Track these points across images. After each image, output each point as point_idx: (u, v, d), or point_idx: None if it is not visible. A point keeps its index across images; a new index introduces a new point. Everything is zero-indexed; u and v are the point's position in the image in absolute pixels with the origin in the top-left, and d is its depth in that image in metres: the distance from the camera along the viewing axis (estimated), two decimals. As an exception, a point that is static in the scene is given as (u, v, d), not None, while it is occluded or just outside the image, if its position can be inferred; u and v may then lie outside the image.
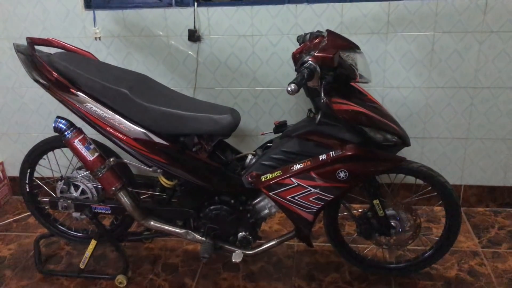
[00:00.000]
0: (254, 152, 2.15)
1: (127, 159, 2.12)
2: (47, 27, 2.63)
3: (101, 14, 2.56)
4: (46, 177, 2.47)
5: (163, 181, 2.11)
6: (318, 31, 2.07)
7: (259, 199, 2.10)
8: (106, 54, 2.64)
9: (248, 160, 2.11)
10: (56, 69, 1.95)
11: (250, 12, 2.46)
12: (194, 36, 2.52)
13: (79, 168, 2.27)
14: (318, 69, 1.69)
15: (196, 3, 2.47)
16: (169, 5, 2.51)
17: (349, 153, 1.84)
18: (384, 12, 2.38)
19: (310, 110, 2.01)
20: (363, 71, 1.86)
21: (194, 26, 2.51)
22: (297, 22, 2.45)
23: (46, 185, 2.43)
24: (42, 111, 2.83)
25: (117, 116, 1.95)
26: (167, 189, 2.16)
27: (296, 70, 1.76)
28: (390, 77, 2.50)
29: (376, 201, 2.01)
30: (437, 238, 2.16)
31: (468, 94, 2.49)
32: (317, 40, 1.82)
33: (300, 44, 2.12)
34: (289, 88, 1.58)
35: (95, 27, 2.56)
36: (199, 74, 2.62)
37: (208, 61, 2.59)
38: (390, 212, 2.07)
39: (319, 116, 1.90)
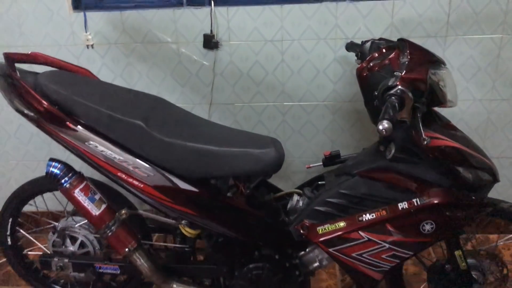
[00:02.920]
0: (299, 191, 1.72)
1: (142, 206, 1.66)
2: (25, 32, 2.12)
3: (93, 16, 2.07)
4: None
5: (186, 230, 1.66)
6: (381, 38, 1.65)
7: (307, 249, 1.68)
8: (100, 65, 2.15)
9: (294, 202, 1.67)
10: (46, 95, 1.47)
11: (279, 12, 2.01)
12: (210, 42, 2.06)
13: (76, 214, 1.79)
14: (410, 95, 1.26)
15: (213, 2, 2.00)
16: (180, 4, 2.03)
17: (439, 201, 1.43)
18: (443, 12, 1.96)
19: (379, 142, 1.58)
20: (450, 91, 1.44)
21: (211, 30, 2.05)
22: (337, 24, 2.01)
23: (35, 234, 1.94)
24: (21, 135, 2.32)
25: (130, 157, 1.48)
26: (188, 238, 1.71)
27: (376, 97, 1.33)
28: (446, 88, 2.09)
29: (458, 252, 1.61)
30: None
31: (538, 107, 2.11)
32: (393, 55, 1.39)
33: (355, 55, 1.70)
34: (381, 127, 1.16)
35: (86, 32, 2.08)
36: (215, 88, 2.16)
37: (227, 72, 2.13)
38: (470, 261, 1.67)
39: (393, 150, 1.48)
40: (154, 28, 2.07)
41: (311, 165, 1.76)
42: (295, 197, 1.69)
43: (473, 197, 1.46)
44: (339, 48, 2.05)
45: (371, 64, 1.46)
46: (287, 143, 2.25)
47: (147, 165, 1.48)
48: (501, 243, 1.94)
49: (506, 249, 2.24)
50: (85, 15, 2.05)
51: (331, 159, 1.70)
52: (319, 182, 1.69)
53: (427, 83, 1.32)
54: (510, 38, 1.99)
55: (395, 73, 1.32)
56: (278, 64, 2.10)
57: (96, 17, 2.08)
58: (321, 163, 1.73)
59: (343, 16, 2.00)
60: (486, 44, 2.01)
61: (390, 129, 1.15)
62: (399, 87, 1.25)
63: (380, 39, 1.64)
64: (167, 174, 1.49)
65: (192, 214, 1.52)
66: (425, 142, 1.30)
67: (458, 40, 2.01)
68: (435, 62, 1.43)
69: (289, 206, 1.68)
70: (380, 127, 1.16)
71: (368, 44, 1.64)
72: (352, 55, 2.02)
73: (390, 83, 1.28)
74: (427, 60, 1.41)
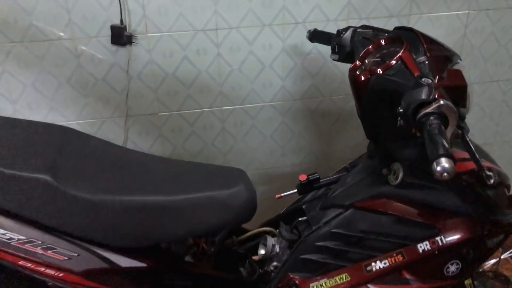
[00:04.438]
0: (271, 230, 1.33)
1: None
2: None
3: None
4: None
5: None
6: (364, 26, 1.28)
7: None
8: (-39, 76, 1.52)
9: (268, 247, 1.27)
10: None
11: (211, -7, 1.54)
12: (121, 36, 1.53)
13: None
14: (455, 111, 0.90)
15: (120, -19, 1.47)
16: (73, -14, 1.46)
17: (469, 236, 1.11)
18: (406, -15, 1.65)
19: (370, 155, 1.23)
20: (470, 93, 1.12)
21: (121, 20, 1.51)
22: (284, 5, 1.60)
23: None
24: None
25: (37, 233, 0.96)
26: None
27: (401, 115, 0.94)
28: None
29: (468, 281, 1.33)
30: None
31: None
32: (404, 51, 1.03)
33: (332, 48, 1.31)
34: (440, 169, 0.79)
35: None
36: (132, 95, 1.64)
37: (146, 74, 1.62)
38: (476, 284, 1.42)
39: (401, 174, 1.13)
40: (37, 20, 1.48)
41: (282, 195, 1.35)
42: (269, 240, 1.28)
43: (505, 220, 1.17)
44: (287, 35, 1.64)
45: (368, 64, 1.09)
46: (228, 155, 1.82)
47: (66, 242, 0.97)
48: (503, 257, 1.73)
49: (506, 263, 2.03)
50: None
51: (308, 185, 1.31)
52: (300, 219, 1.29)
53: (467, 90, 0.98)
54: (477, 14, 1.74)
55: (422, 80, 0.95)
56: (213, 60, 1.64)
57: None
58: (295, 190, 1.33)
59: (291, -5, 1.59)
60: (452, 22, 1.73)
61: (453, 170, 0.79)
62: (441, 101, 0.88)
63: (364, 26, 1.27)
64: (99, 251, 0.99)
65: (141, 299, 1.05)
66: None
67: (422, 19, 1.70)
68: (452, 56, 1.09)
69: (262, 252, 1.27)
70: (439, 168, 0.79)
71: (347, 34, 1.26)
72: (304, 43, 1.63)
73: (423, 97, 0.90)
74: (445, 56, 1.07)
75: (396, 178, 1.13)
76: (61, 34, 1.51)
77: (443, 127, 0.85)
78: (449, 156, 0.79)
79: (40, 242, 0.95)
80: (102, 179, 1.03)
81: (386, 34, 1.19)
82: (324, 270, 1.17)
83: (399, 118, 0.95)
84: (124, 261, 1.01)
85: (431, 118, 0.87)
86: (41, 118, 1.62)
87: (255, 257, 1.31)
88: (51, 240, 0.96)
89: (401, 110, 0.94)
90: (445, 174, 0.79)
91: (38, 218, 0.94)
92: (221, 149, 1.79)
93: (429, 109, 0.88)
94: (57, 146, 1.07)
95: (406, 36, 1.10)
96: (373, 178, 1.20)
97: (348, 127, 1.85)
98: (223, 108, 1.72)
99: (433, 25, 1.72)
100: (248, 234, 1.35)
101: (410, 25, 1.70)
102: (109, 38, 1.53)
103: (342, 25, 1.63)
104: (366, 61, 1.12)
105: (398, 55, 1.03)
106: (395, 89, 1.01)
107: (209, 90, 1.68)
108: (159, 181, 1.09)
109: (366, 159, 1.26)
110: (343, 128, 1.85)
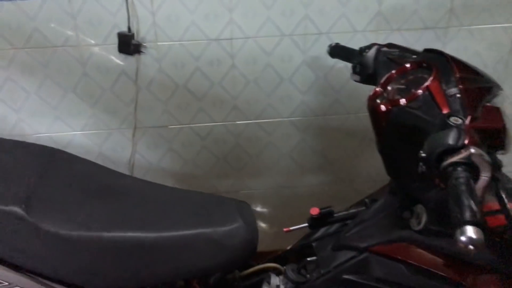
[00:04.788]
0: (277, 267, 1.20)
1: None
2: None
3: None
4: None
5: None
6: (390, 44, 1.12)
7: None
8: (-38, 83, 1.45)
9: (272, 287, 1.15)
10: None
11: (227, 0, 1.41)
12: (128, 44, 1.42)
13: None
14: (490, 162, 0.74)
15: (128, -14, 1.36)
16: (78, -10, 1.37)
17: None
18: (446, -5, 1.47)
19: (391, 193, 1.09)
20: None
21: (129, 28, 1.41)
22: (307, 14, 1.45)
23: None
24: None
25: (3, 272, 0.86)
26: None
27: (423, 160, 0.79)
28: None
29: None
30: None
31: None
32: (432, 80, 0.87)
33: (353, 67, 1.17)
34: (464, 239, 0.66)
35: None
36: (140, 106, 1.54)
37: (156, 85, 1.52)
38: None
39: (424, 219, 0.97)
40: (41, 26, 1.40)
41: (291, 228, 1.22)
42: (274, 279, 1.16)
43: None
44: (309, 46, 1.50)
45: (391, 92, 0.94)
46: (241, 172, 1.69)
47: (36, 284, 0.87)
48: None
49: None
50: None
51: (320, 220, 1.18)
52: (309, 259, 1.15)
53: (506, 134, 0.82)
54: (527, 28, 1.54)
55: (450, 119, 0.80)
56: (227, 71, 1.51)
57: None
58: (306, 224, 1.20)
59: (315, 3, 1.44)
60: (497, 35, 1.54)
61: (481, 242, 0.64)
62: (471, 150, 0.73)
63: (390, 45, 1.11)
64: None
65: None
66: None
67: (462, 32, 1.52)
68: (491, 88, 0.93)
69: (267, 293, 1.15)
70: (464, 239, 0.64)
71: (371, 53, 1.11)
72: (328, 55, 1.49)
73: (451, 141, 0.75)
74: (482, 88, 0.90)
75: (419, 223, 0.98)
76: (66, 40, 1.42)
77: (472, 182, 0.70)
78: (477, 224, 0.64)
79: (7, 283, 0.86)
80: (83, 211, 0.93)
81: (414, 56, 1.03)
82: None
83: (420, 164, 0.80)
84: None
85: (459, 169, 0.72)
86: (45, 128, 1.55)
87: (257, 297, 1.19)
88: (18, 281, 0.86)
89: (423, 155, 0.79)
90: (471, 246, 0.63)
91: (5, 256, 0.85)
92: (234, 165, 1.67)
93: (456, 158, 0.73)
94: (40, 171, 0.98)
95: (436, 61, 0.95)
96: (393, 219, 1.05)
97: (375, 147, 1.68)
98: (237, 122, 1.60)
99: (474, 38, 1.53)
100: (252, 269, 1.23)
101: (448, 39, 1.52)
102: (116, 46, 1.43)
103: (371, 37, 1.48)
104: (389, 87, 0.97)
105: (425, 84, 0.88)
106: (418, 126, 0.86)
107: (222, 103, 1.56)
108: (146, 214, 0.98)
109: (388, 194, 1.11)
110: (369, 148, 1.69)
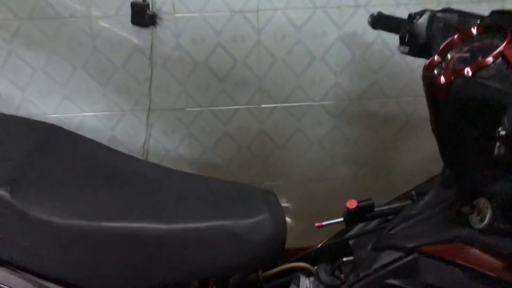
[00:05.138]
0: (307, 267, 1.06)
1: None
2: None
3: None
4: None
5: None
6: (446, 9, 0.96)
7: None
8: (-37, 58, 1.34)
9: (301, 289, 1.00)
10: None
11: (253, -34, 1.27)
12: (143, 15, 1.29)
13: None
14: None
15: (143, -51, 1.22)
16: (87, -47, 1.23)
17: None
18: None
19: (444, 185, 0.93)
20: None
21: (143, -3, 1.27)
22: (344, -17, 1.30)
23: None
24: None
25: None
26: None
27: (501, 138, 0.63)
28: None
29: None
30: None
31: None
32: (505, 44, 0.72)
33: (400, 37, 1.02)
34: None
35: None
36: (155, 86, 1.41)
37: (173, 62, 1.38)
38: None
39: (488, 216, 0.81)
40: (48, -6, 1.27)
41: (323, 223, 1.06)
42: (303, 281, 1.01)
43: None
44: (345, 21, 1.35)
45: (451, 61, 0.79)
46: (266, 162, 1.55)
47: (22, 280, 0.73)
48: None
49: None
50: None
51: (358, 215, 1.02)
52: (344, 259, 1.00)
53: None
54: None
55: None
56: (252, 48, 1.37)
57: None
58: (342, 219, 1.04)
59: (354, -31, 1.28)
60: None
61: None
62: None
63: (446, 10, 0.95)
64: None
65: None
66: None
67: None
68: None
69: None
70: None
71: (423, 20, 0.96)
72: (366, 31, 1.33)
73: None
74: None
75: (482, 220, 0.82)
76: (75, 11, 1.29)
77: None
78: None
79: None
80: (83, 197, 0.79)
81: (479, 21, 0.87)
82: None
83: (497, 144, 0.64)
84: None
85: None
86: (53, 108, 1.43)
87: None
88: (4, 279, 0.73)
89: (502, 133, 0.63)
90: None
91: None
92: (257, 154, 1.53)
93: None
94: (34, 149, 0.84)
95: (510, 23, 0.79)
96: (447, 215, 0.90)
97: (416, 136, 1.53)
98: (262, 106, 1.46)
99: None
100: (278, 269, 1.09)
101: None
102: (129, 17, 1.29)
103: (416, 10, 1.31)
104: (449, 56, 0.82)
105: (498, 50, 0.72)
106: (491, 100, 0.70)
107: (246, 84, 1.42)
108: (157, 202, 0.83)
109: (439, 187, 0.96)
110: (410, 137, 1.53)
